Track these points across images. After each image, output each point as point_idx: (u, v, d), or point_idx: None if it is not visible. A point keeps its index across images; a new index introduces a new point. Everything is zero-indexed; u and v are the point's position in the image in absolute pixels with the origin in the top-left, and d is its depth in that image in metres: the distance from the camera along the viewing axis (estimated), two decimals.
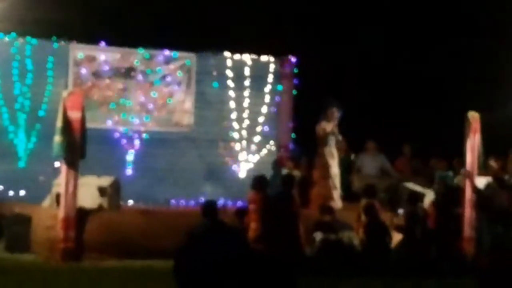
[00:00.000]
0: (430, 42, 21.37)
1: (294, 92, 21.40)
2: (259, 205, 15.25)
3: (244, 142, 21.05)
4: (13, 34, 18.95)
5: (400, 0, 21.44)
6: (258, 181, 15.93)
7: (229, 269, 4.49)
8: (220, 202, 16.95)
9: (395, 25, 21.39)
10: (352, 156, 19.58)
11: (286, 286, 5.22)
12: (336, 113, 18.03)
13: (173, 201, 19.63)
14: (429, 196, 17.34)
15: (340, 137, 18.12)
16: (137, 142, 20.15)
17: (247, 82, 21.07)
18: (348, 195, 18.25)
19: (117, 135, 19.92)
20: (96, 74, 19.86)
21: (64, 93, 16.03)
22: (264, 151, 21.11)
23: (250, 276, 4.98)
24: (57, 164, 16.49)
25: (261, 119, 21.20)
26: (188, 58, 20.64)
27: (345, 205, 17.51)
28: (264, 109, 21.21)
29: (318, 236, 15.12)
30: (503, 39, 19.41)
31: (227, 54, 20.95)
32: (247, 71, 21.10)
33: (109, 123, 19.80)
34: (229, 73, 20.93)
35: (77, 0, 17.90)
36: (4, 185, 18.54)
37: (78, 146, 15.25)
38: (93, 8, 18.79)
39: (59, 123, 15.23)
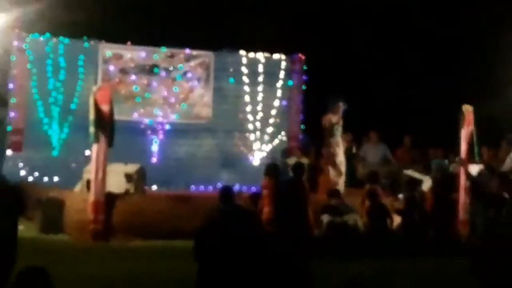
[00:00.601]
0: (430, 40, 21.31)
1: (304, 87, 21.45)
2: (272, 191, 15.30)
3: (258, 133, 21.09)
4: (48, 34, 19.01)
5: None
6: (270, 169, 15.96)
7: (244, 249, 4.55)
8: (236, 187, 16.97)
9: (394, 23, 21.35)
10: (354, 149, 19.55)
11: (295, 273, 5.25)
12: (341, 107, 18.08)
13: (193, 187, 19.69)
14: (427, 182, 17.34)
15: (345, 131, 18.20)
16: (160, 133, 20.23)
17: (260, 78, 21.10)
18: (353, 181, 18.29)
19: (142, 126, 19.98)
20: (123, 71, 19.93)
21: (94, 88, 16.11)
22: (276, 141, 21.14)
23: (263, 256, 5.02)
24: (87, 152, 16.56)
25: (273, 112, 21.23)
26: (207, 56, 20.69)
27: (350, 190, 17.52)
28: (276, 103, 21.24)
29: (325, 218, 15.14)
30: (497, 38, 19.35)
31: (242, 52, 20.98)
32: (260, 68, 21.13)
33: (135, 115, 19.86)
34: (244, 70, 20.96)
35: (105, 3, 17.90)
36: (39, 172, 18.57)
37: (107, 136, 15.37)
38: (120, 10, 18.83)
39: (91, 116, 15.34)
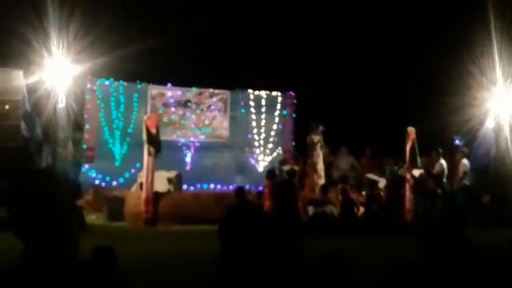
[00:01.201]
0: (384, 78, 21.31)
1: (294, 115, 21.49)
2: (270, 189, 15.37)
3: (261, 148, 21.10)
4: (111, 79, 19.09)
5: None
6: (269, 173, 16.08)
7: (254, 231, 4.62)
8: (246, 187, 17.02)
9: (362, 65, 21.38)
10: (331, 158, 19.56)
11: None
12: (320, 129, 18.16)
13: (215, 187, 19.75)
14: (382, 183, 17.34)
15: (323, 146, 18.23)
16: (192, 149, 20.25)
17: (263, 109, 21.11)
18: (329, 182, 18.31)
19: (179, 144, 19.99)
20: (165, 105, 19.96)
21: (145, 117, 16.21)
22: (275, 154, 21.12)
23: (267, 235, 5.07)
24: (139, 163, 16.64)
25: (272, 133, 21.23)
26: (225, 94, 20.76)
27: (326, 188, 17.56)
28: (275, 127, 21.25)
29: (310, 209, 15.18)
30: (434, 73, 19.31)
31: (250, 91, 21.03)
32: (263, 102, 21.14)
33: (174, 136, 19.87)
34: (251, 103, 20.99)
35: (153, 57, 17.97)
36: (107, 177, 18.68)
37: (155, 151, 15.46)
38: (163, 62, 18.86)
39: (144, 136, 15.42)
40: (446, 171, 16.63)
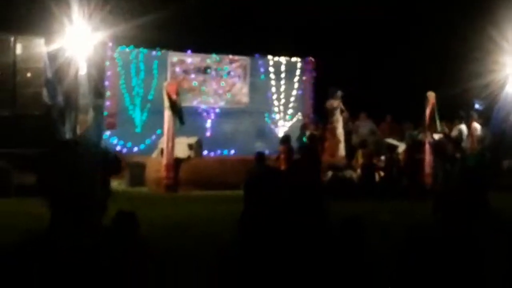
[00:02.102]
0: (406, 47, 21.11)
1: (313, 81, 21.42)
2: (286, 154, 15.40)
3: (281, 114, 21.10)
4: (131, 46, 19.06)
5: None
6: (284, 139, 16.17)
7: (276, 192, 4.57)
8: (267, 152, 17.04)
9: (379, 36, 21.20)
10: (350, 125, 19.46)
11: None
12: (340, 94, 18.09)
13: (235, 152, 19.78)
14: (401, 147, 17.32)
15: (344, 110, 18.19)
16: (212, 115, 20.28)
17: (282, 75, 21.06)
18: (349, 147, 18.30)
19: (199, 110, 20.00)
20: (185, 71, 19.94)
21: (165, 84, 16.24)
22: (294, 120, 21.14)
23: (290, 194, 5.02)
24: (159, 130, 16.69)
25: (292, 99, 21.20)
26: (245, 60, 20.71)
27: (347, 153, 17.59)
28: (294, 92, 21.22)
29: (330, 173, 15.21)
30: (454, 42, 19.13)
31: (269, 57, 20.96)
32: (282, 68, 21.09)
33: (194, 103, 19.87)
34: (271, 69, 20.93)
35: (172, 24, 17.90)
36: (128, 144, 18.77)
37: (176, 117, 15.52)
38: (181, 29, 18.78)
39: (166, 103, 15.46)
40: (464, 136, 16.55)
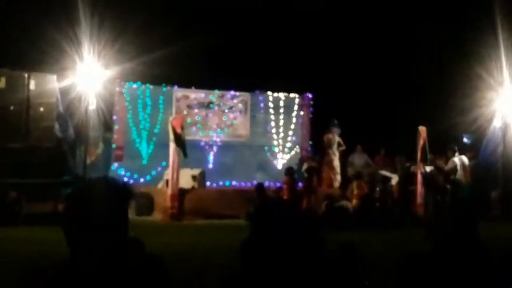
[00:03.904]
0: (397, 82, 21.21)
1: (311, 115, 21.47)
2: (289, 185, 15.40)
3: (280, 147, 21.11)
4: (139, 82, 19.15)
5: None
6: (288, 170, 16.12)
7: (283, 217, 4.50)
8: (266, 184, 17.03)
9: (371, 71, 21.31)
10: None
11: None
12: (336, 129, 18.18)
13: (236, 184, 19.77)
14: (395, 179, 17.33)
15: (342, 145, 18.27)
16: (214, 148, 20.29)
17: (281, 110, 21.11)
18: (345, 178, 18.32)
19: (202, 143, 20.02)
20: (189, 106, 19.98)
21: (171, 118, 16.31)
22: (293, 152, 21.12)
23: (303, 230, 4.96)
24: (164, 162, 16.69)
25: (290, 133, 21.19)
26: (245, 96, 20.79)
27: (343, 185, 17.56)
28: (292, 126, 21.24)
29: (325, 203, 15.20)
30: (441, 77, 19.26)
31: (269, 93, 21.03)
32: (281, 103, 21.14)
33: (197, 136, 19.89)
34: (270, 104, 20.98)
35: (177, 62, 18.02)
36: (134, 175, 18.76)
37: (181, 150, 15.54)
38: (186, 67, 18.91)
39: (171, 136, 15.50)
40: (458, 168, 16.58)
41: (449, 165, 16.60)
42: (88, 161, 16.27)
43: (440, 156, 17.36)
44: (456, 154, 16.81)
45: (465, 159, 16.84)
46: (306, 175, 16.40)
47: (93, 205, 2.61)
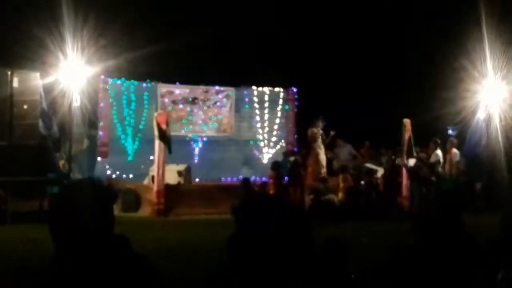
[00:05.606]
0: (382, 75, 21.25)
1: (295, 110, 21.50)
2: (275, 179, 15.42)
3: (266, 141, 21.13)
4: (123, 79, 19.09)
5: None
6: (274, 165, 16.12)
7: (269, 211, 4.50)
8: (252, 178, 17.04)
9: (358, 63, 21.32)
10: (329, 153, 19.45)
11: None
12: (320, 123, 18.19)
13: (222, 179, 19.76)
14: (380, 172, 17.39)
15: (326, 139, 18.31)
16: (200, 143, 20.28)
17: (266, 104, 21.14)
18: (330, 172, 18.37)
19: (187, 139, 20.01)
20: (174, 102, 19.96)
21: (155, 114, 16.26)
22: (278, 147, 21.17)
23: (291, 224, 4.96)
24: (151, 157, 16.64)
25: (275, 127, 21.24)
26: (230, 91, 20.78)
27: (329, 178, 17.59)
28: (277, 121, 21.27)
29: (311, 197, 15.23)
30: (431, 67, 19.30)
31: (254, 87, 21.04)
32: (266, 98, 21.17)
33: (182, 132, 19.87)
34: (255, 99, 21.00)
35: (161, 58, 17.97)
36: (119, 171, 18.70)
37: (166, 146, 15.48)
38: (170, 63, 18.87)
39: (155, 132, 15.45)
40: (441, 160, 16.68)
41: (432, 158, 16.69)
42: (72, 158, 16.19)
43: (425, 149, 17.45)
44: (438, 147, 16.89)
45: (456, 151, 16.90)
46: (293, 167, 16.41)
47: (77, 207, 2.61)
